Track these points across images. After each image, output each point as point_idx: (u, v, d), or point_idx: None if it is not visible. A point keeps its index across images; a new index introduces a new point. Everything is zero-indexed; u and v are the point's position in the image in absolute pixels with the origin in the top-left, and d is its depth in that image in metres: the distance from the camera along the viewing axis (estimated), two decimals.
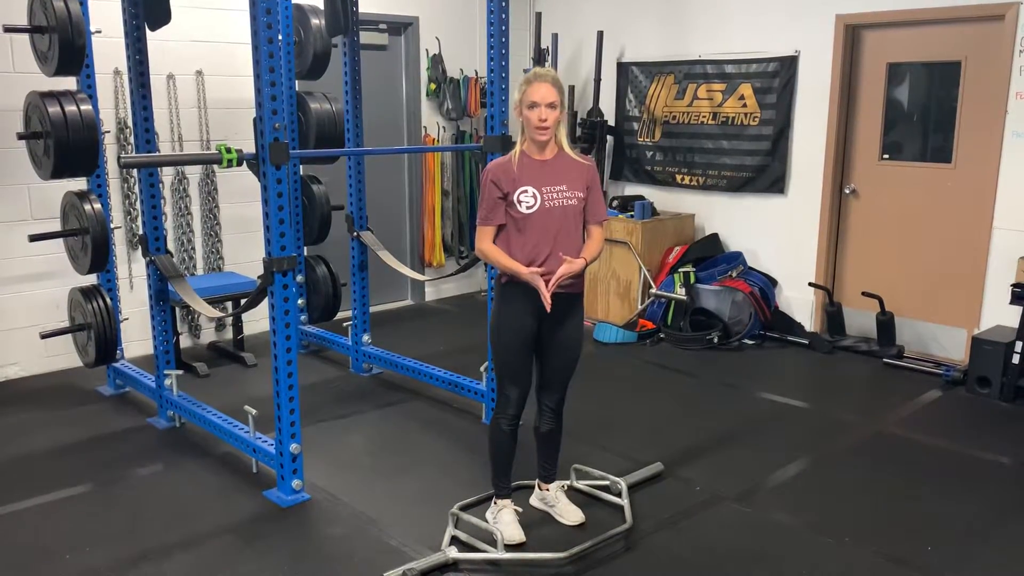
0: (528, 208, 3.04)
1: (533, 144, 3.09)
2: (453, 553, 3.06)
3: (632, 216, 6.27)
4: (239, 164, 3.40)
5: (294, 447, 3.54)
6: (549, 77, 3.04)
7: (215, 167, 5.56)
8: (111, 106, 5.13)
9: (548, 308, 2.98)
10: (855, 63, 5.66)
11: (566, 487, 3.54)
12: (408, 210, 6.94)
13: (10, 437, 4.25)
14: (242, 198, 5.71)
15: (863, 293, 5.54)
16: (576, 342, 3.25)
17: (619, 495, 3.50)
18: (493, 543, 3.08)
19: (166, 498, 3.63)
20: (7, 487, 3.69)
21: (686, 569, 3.10)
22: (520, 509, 3.35)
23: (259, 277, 3.53)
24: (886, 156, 5.63)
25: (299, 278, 5.36)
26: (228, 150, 3.36)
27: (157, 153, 4.52)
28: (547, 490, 3.44)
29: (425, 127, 6.78)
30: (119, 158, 5.02)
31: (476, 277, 7.21)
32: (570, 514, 3.38)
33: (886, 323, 5.46)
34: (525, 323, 3.11)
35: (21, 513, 3.48)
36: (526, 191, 3.04)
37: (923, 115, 5.58)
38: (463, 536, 3.19)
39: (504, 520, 3.24)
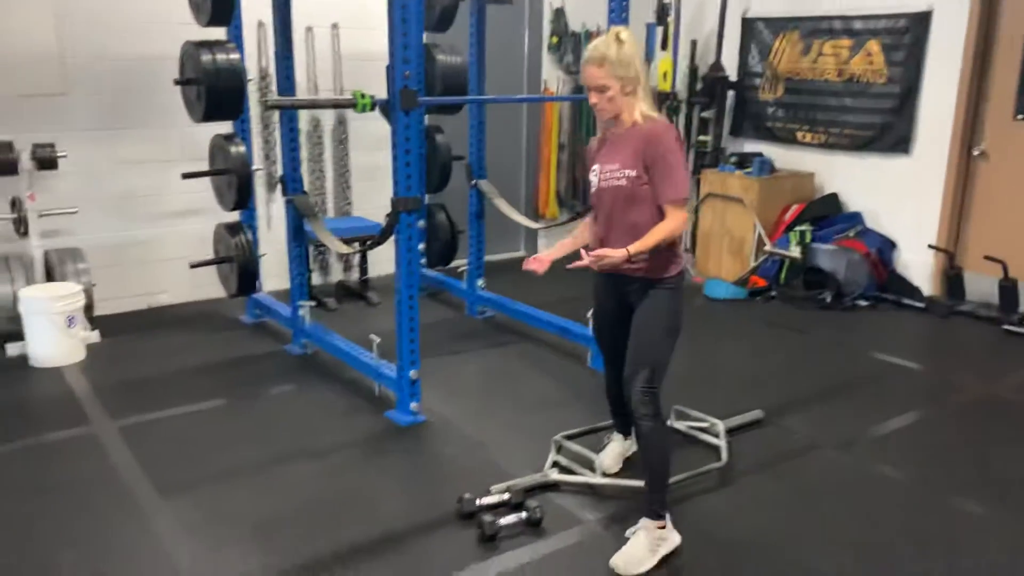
0: (592, 188, 2.97)
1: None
2: (554, 475, 3.28)
3: (749, 172, 6.25)
4: (372, 109, 3.65)
5: (413, 373, 3.82)
6: (596, 57, 2.75)
7: (348, 114, 5.91)
8: (254, 56, 5.50)
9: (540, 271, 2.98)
10: (992, 19, 5.43)
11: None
12: (524, 163, 7.12)
13: (161, 355, 4.73)
14: (370, 146, 6.03)
15: (986, 257, 5.38)
16: (646, 325, 2.89)
17: (717, 436, 3.62)
18: (592, 470, 3.29)
19: (297, 414, 3.99)
20: (160, 397, 4.14)
21: (778, 506, 3.21)
22: (630, 445, 3.43)
23: (387, 215, 3.80)
24: (1021, 116, 5.41)
25: (420, 223, 5.63)
26: (363, 96, 3.61)
27: (298, 96, 4.82)
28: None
29: (545, 80, 6.92)
30: (266, 100, 5.38)
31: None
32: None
33: (1009, 289, 5.30)
34: (602, 303, 3.11)
35: (173, 419, 3.92)
36: (594, 170, 2.96)
37: None
38: (564, 462, 3.40)
39: (607, 451, 3.41)
